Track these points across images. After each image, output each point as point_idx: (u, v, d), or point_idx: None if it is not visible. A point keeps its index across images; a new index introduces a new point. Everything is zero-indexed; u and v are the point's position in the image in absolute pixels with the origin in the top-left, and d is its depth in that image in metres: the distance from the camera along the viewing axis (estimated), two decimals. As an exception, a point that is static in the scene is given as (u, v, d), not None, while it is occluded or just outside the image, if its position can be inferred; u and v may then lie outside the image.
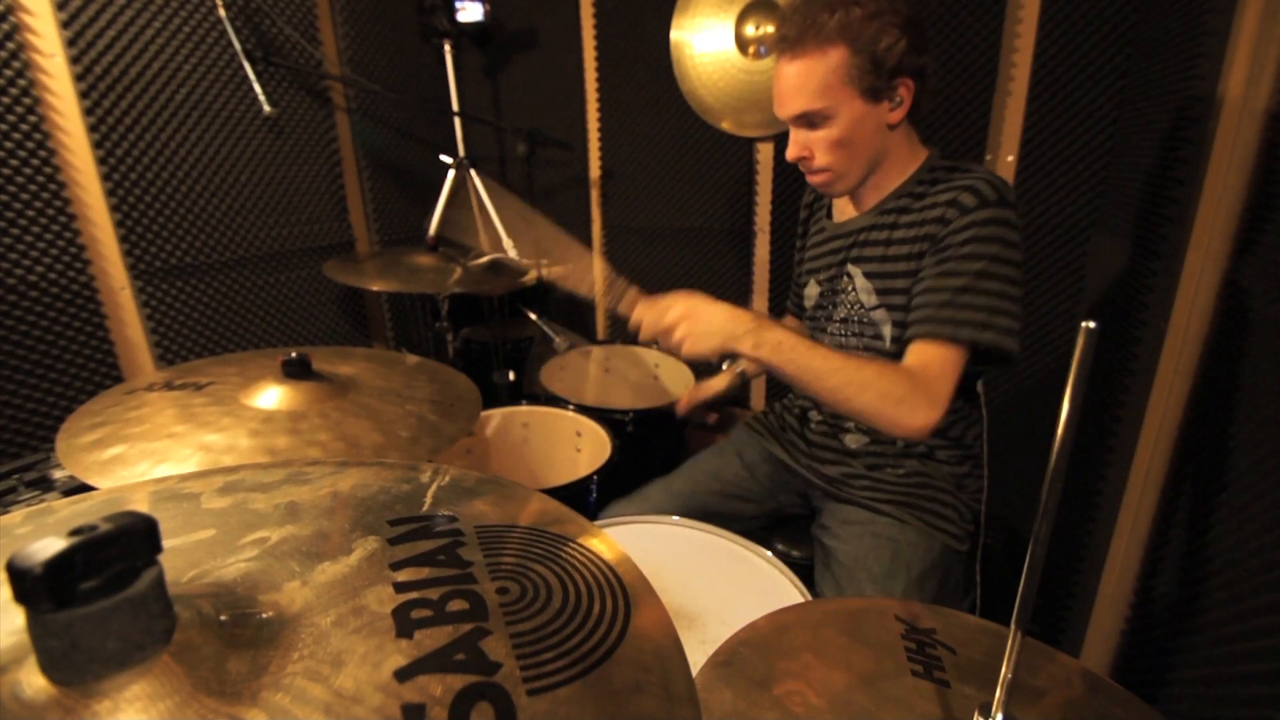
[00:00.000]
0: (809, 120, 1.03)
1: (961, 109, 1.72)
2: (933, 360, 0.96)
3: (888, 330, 1.11)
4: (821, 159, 1.05)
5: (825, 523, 1.20)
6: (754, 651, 0.64)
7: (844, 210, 1.22)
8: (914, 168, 1.10)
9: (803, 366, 0.96)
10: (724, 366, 1.44)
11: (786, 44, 1.00)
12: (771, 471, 1.33)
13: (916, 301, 1.01)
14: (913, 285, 1.05)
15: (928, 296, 0.99)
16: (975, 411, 1.19)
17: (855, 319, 1.16)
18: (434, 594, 0.44)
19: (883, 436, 1.17)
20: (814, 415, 1.28)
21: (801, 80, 1.00)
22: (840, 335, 1.20)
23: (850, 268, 1.15)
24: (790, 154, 1.08)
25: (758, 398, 2.34)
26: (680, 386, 1.89)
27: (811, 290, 1.27)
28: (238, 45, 1.75)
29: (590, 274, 1.39)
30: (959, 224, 0.97)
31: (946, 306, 0.96)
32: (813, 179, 1.11)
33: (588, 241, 2.51)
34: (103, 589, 0.34)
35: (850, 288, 1.16)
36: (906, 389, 0.94)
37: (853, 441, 1.21)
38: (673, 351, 1.01)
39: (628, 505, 1.29)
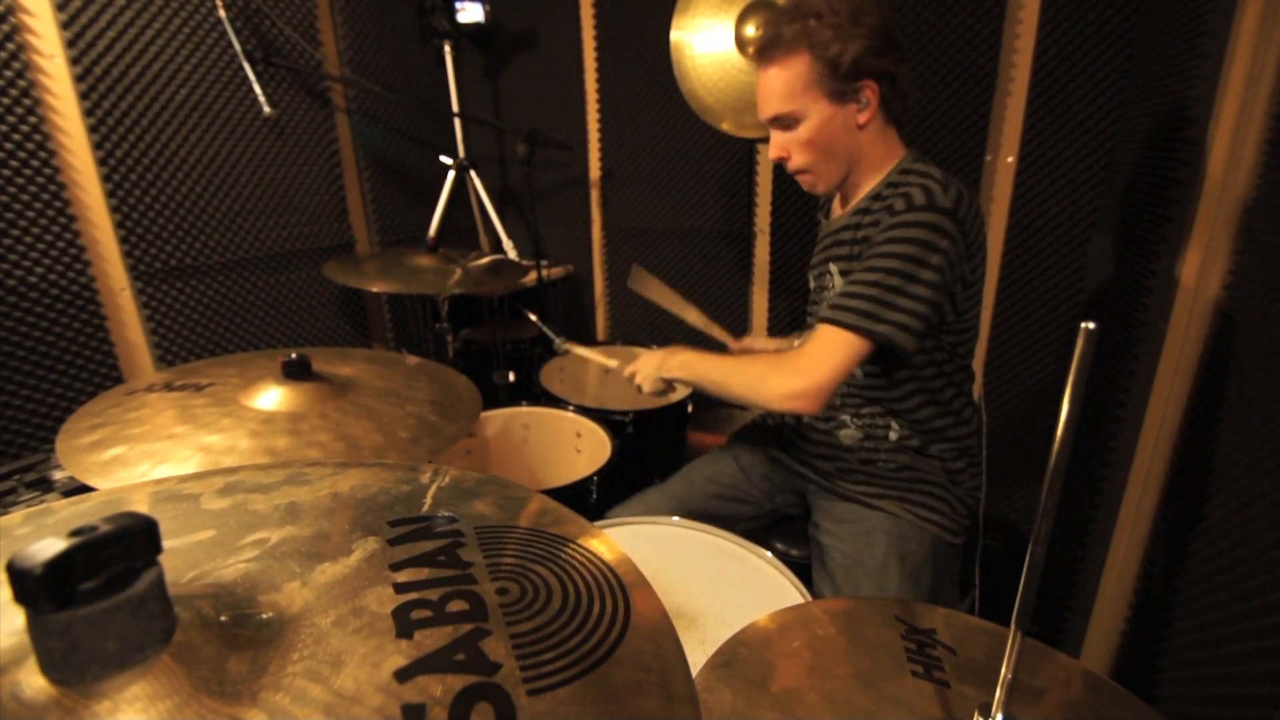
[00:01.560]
0: (783, 122, 1.11)
1: (961, 109, 1.72)
2: (817, 341, 1.04)
3: None
4: (798, 158, 1.14)
5: (819, 520, 1.22)
6: (754, 651, 0.64)
7: (836, 209, 1.26)
8: (888, 169, 1.13)
9: (699, 374, 1.17)
10: (790, 336, 1.58)
11: (759, 53, 1.10)
12: (768, 473, 1.34)
13: (840, 289, 1.09)
14: None
15: (844, 288, 1.06)
16: (969, 409, 1.20)
17: None
18: (434, 594, 0.44)
19: (875, 431, 1.19)
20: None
21: (773, 86, 1.09)
22: None
23: (831, 265, 1.19)
24: (771, 154, 1.16)
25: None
26: (680, 387, 1.89)
27: (811, 286, 1.31)
28: (238, 46, 1.75)
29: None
30: (885, 225, 1.03)
31: (851, 297, 1.02)
32: (798, 179, 1.19)
33: (588, 242, 2.51)
34: (103, 590, 0.34)
35: (830, 285, 1.20)
36: (766, 369, 1.09)
37: (846, 437, 1.22)
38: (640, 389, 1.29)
39: (625, 510, 1.29)
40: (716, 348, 1.55)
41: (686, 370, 1.20)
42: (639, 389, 1.29)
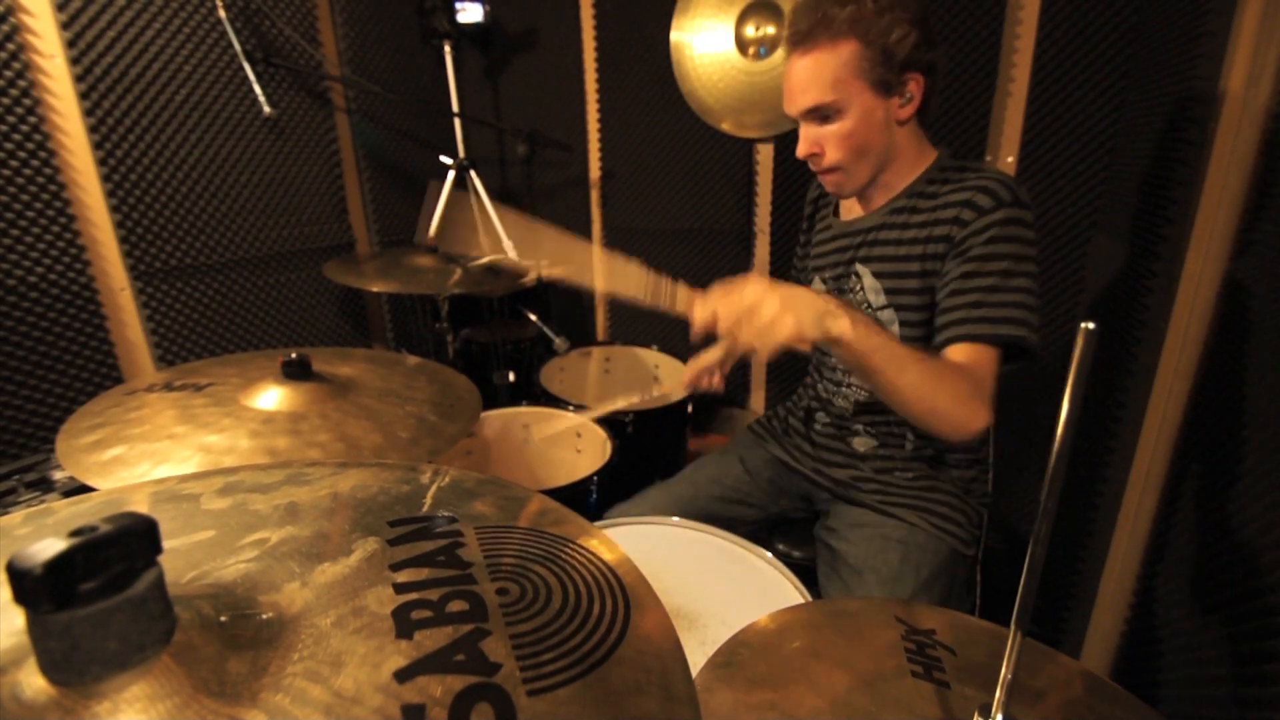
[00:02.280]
0: (820, 114, 1.03)
1: (961, 109, 1.72)
2: (980, 361, 0.95)
3: (895, 330, 1.10)
4: (832, 155, 1.05)
5: (832, 525, 1.19)
6: (754, 652, 0.64)
7: (851, 209, 1.21)
8: (923, 167, 1.09)
9: (888, 355, 0.87)
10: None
11: (798, 38, 1.01)
12: (773, 476, 1.33)
13: (945, 304, 1.00)
14: (923, 286, 1.05)
15: (956, 299, 0.98)
16: None
17: None
18: (434, 595, 0.44)
19: (891, 440, 1.17)
20: (820, 418, 1.27)
21: (813, 74, 1.00)
22: None
23: (859, 267, 1.15)
24: (801, 151, 1.07)
25: (758, 401, 2.34)
26: (680, 387, 1.89)
27: (817, 288, 1.26)
28: (238, 46, 1.75)
29: (591, 271, 1.37)
30: (977, 225, 0.98)
31: (980, 307, 0.96)
32: (824, 179, 1.11)
33: (588, 242, 2.51)
34: (103, 590, 0.34)
35: (858, 287, 1.15)
36: (972, 388, 0.91)
37: (860, 445, 1.20)
38: (747, 349, 0.85)
39: (628, 509, 1.28)
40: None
41: (868, 339, 0.85)
42: (759, 336, 0.81)
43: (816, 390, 1.30)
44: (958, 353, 0.97)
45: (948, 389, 0.90)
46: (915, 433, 1.15)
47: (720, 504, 1.28)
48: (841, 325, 0.83)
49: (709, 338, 0.91)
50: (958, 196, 1.01)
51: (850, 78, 0.99)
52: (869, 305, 1.13)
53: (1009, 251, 0.96)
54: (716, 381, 1.32)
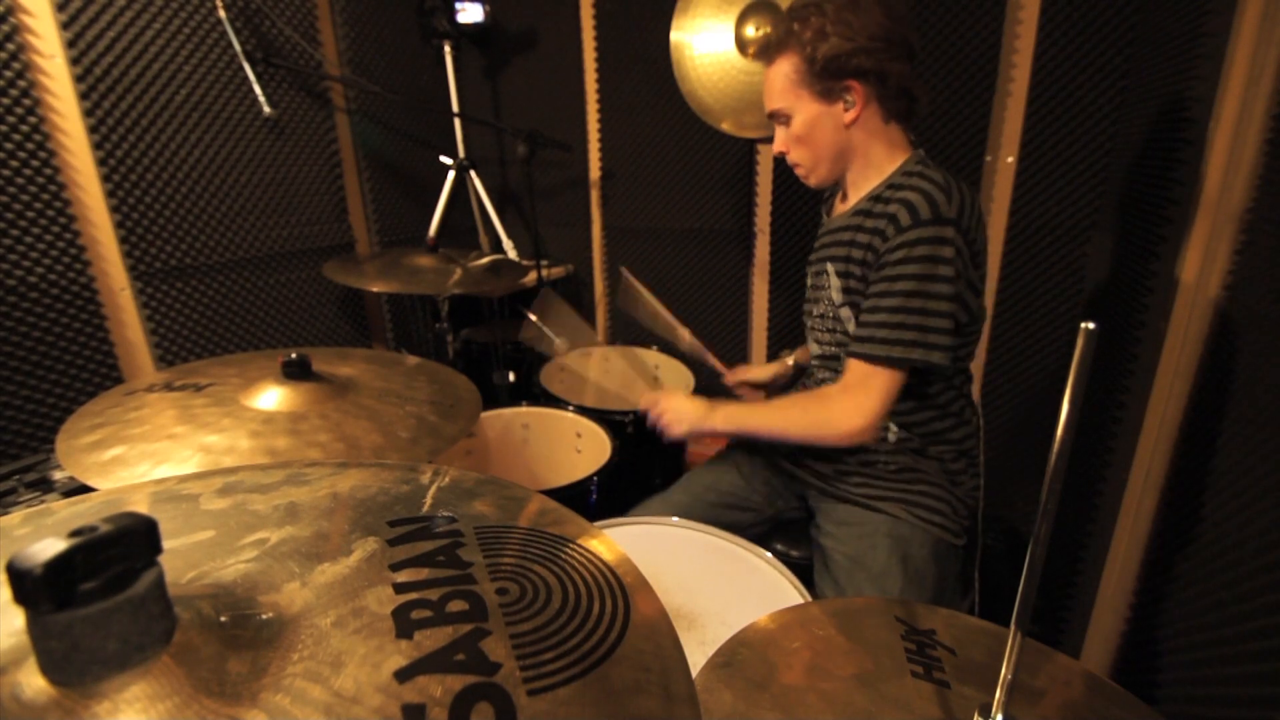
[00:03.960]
0: (779, 118, 1.16)
1: (961, 109, 1.72)
2: (860, 377, 1.07)
3: (852, 327, 1.14)
4: (792, 154, 1.18)
5: (821, 524, 1.22)
6: (754, 652, 0.64)
7: (837, 207, 1.26)
8: (891, 169, 1.13)
9: (751, 426, 1.19)
10: (781, 356, 1.55)
11: (761, 51, 1.16)
12: (769, 479, 1.34)
13: (859, 318, 1.10)
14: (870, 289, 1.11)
15: (866, 315, 1.07)
16: (969, 410, 1.20)
17: (829, 314, 1.20)
18: (434, 595, 0.44)
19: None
20: None
21: (769, 83, 1.14)
22: (818, 330, 1.24)
23: (828, 265, 1.19)
24: (774, 148, 1.20)
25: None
26: (680, 387, 1.89)
27: (807, 283, 1.31)
28: (238, 46, 1.75)
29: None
30: (893, 242, 1.03)
31: (880, 327, 1.04)
32: (796, 171, 1.21)
33: (588, 242, 2.51)
34: (103, 590, 0.34)
35: (826, 284, 1.19)
36: (822, 411, 1.11)
37: None
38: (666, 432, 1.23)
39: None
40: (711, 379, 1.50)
41: (734, 424, 1.20)
42: (661, 431, 1.23)
43: (806, 386, 1.33)
44: (848, 366, 1.09)
45: (801, 425, 1.13)
46: (897, 424, 1.17)
47: (718, 510, 1.30)
48: (715, 421, 1.19)
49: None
50: (890, 208, 1.05)
51: (791, 86, 1.11)
52: (832, 302, 1.18)
53: (915, 272, 1.01)
54: (758, 397, 1.56)
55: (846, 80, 1.07)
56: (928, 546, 1.12)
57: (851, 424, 1.06)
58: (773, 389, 1.55)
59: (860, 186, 1.16)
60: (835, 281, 1.16)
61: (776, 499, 1.33)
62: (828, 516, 1.21)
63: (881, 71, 1.06)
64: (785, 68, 1.10)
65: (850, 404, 1.07)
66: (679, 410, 1.22)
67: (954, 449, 1.18)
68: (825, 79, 1.07)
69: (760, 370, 1.56)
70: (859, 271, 1.11)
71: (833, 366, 1.23)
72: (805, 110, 1.11)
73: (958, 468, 1.19)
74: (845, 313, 1.16)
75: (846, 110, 1.09)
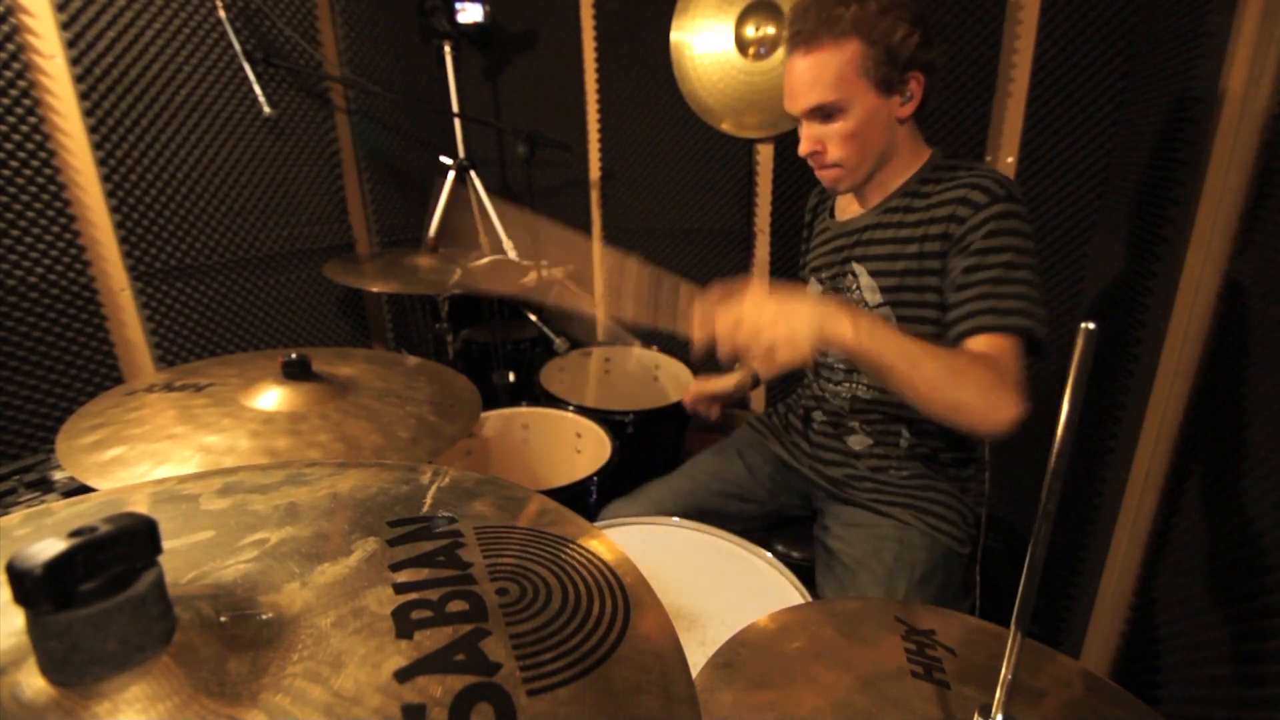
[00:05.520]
0: (824, 113, 1.04)
1: (961, 109, 1.72)
2: (1000, 350, 0.92)
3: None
4: (834, 153, 1.06)
5: (828, 524, 1.20)
6: (754, 652, 0.64)
7: (846, 208, 1.23)
8: (918, 165, 1.10)
9: (900, 351, 0.84)
10: (736, 367, 1.41)
11: (801, 38, 1.01)
12: (773, 472, 1.33)
13: (953, 300, 1.00)
14: (919, 284, 1.06)
15: (964, 294, 0.98)
16: None
17: None
18: (434, 595, 0.44)
19: (886, 438, 1.17)
20: (817, 416, 1.27)
21: (817, 73, 1.01)
22: None
23: (854, 265, 1.15)
24: (803, 149, 1.08)
25: (758, 400, 2.34)
26: (679, 387, 1.89)
27: (813, 289, 1.27)
28: (238, 46, 1.75)
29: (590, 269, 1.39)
30: (975, 220, 0.98)
31: (987, 298, 0.95)
32: (822, 174, 1.11)
33: (588, 242, 2.51)
34: (103, 590, 0.34)
35: (854, 285, 1.16)
36: (997, 378, 0.87)
37: (856, 443, 1.20)
38: (761, 364, 0.82)
39: (628, 504, 1.29)
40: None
41: (875, 339, 0.83)
42: (765, 355, 0.81)
43: (813, 389, 1.30)
44: (976, 345, 0.94)
45: (969, 380, 0.86)
46: (911, 431, 1.15)
47: (720, 499, 1.29)
48: (842, 328, 0.81)
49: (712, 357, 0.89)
50: (953, 194, 1.02)
51: (854, 76, 0.99)
52: (865, 304, 1.14)
53: (1010, 244, 0.96)
54: (715, 413, 1.38)
55: (912, 71, 1.00)
56: (936, 555, 1.11)
57: (1017, 407, 0.85)
58: (731, 402, 1.44)
59: (888, 185, 1.12)
60: (868, 281, 1.12)
61: (779, 493, 1.32)
62: (835, 518, 1.20)
63: (936, 63, 1.02)
64: (846, 54, 0.98)
65: (1009, 378, 0.88)
66: (794, 321, 0.80)
67: (965, 455, 1.17)
68: (895, 69, 0.99)
69: (723, 381, 1.42)
70: (912, 265, 1.05)
71: (854, 379, 1.19)
72: (864, 103, 1.01)
73: (967, 474, 1.18)
74: (884, 312, 1.11)
75: (904, 104, 1.03)
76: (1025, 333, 0.93)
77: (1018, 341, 0.93)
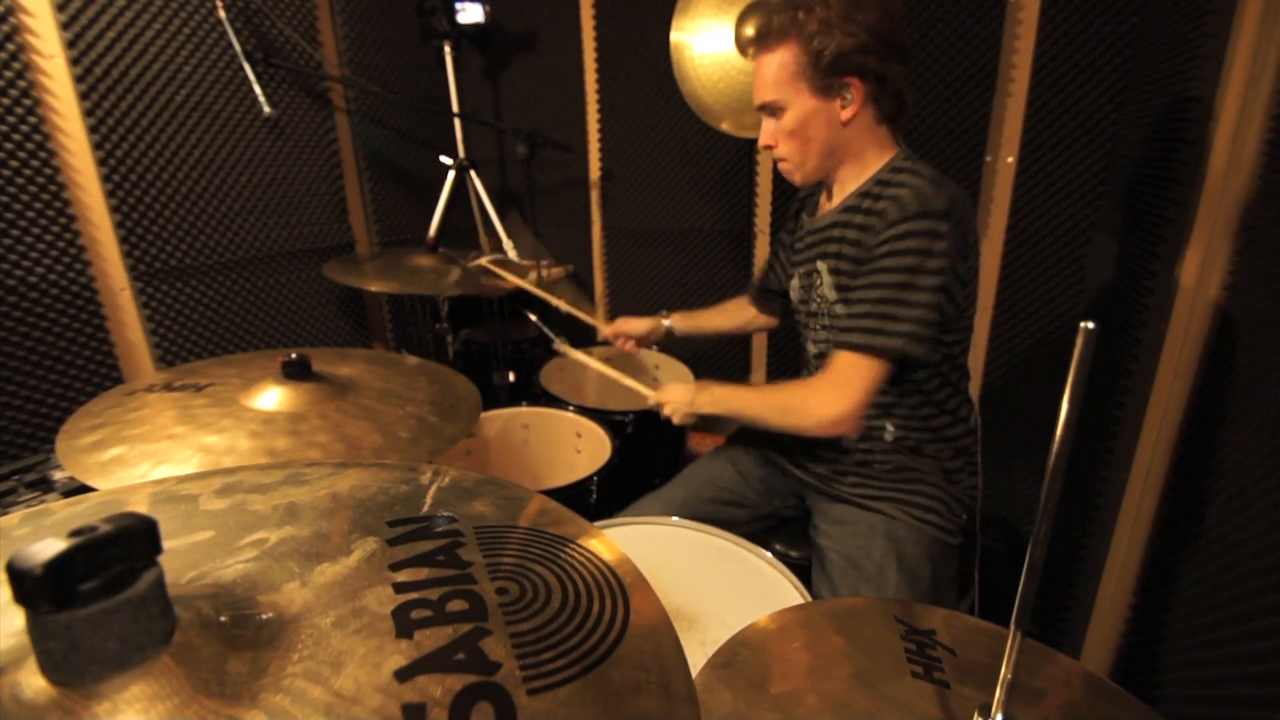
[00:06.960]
0: (770, 110, 1.13)
1: (961, 109, 1.72)
2: (843, 367, 1.07)
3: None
4: (780, 147, 1.15)
5: (817, 523, 1.22)
6: (754, 652, 0.64)
7: (822, 206, 1.26)
8: (877, 167, 1.13)
9: (735, 408, 1.19)
10: (658, 314, 1.67)
11: (754, 40, 1.13)
12: (765, 476, 1.34)
13: (840, 310, 1.12)
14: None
15: (852, 308, 1.08)
16: (966, 408, 1.20)
17: (824, 313, 1.20)
18: (433, 594, 0.44)
19: (871, 432, 1.19)
20: None
21: (763, 73, 1.11)
22: (813, 329, 1.24)
23: (819, 264, 1.19)
24: (760, 141, 1.17)
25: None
26: (679, 381, 1.88)
27: (794, 285, 1.30)
28: (238, 46, 1.75)
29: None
30: (881, 236, 1.04)
31: (865, 318, 1.05)
32: (779, 166, 1.20)
33: (588, 242, 2.51)
34: (102, 590, 0.34)
35: (819, 283, 1.19)
36: (803, 399, 1.11)
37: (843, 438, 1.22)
38: (676, 420, 1.26)
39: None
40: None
41: (719, 405, 1.21)
42: (667, 420, 1.27)
43: None
44: (839, 358, 1.08)
45: (778, 411, 1.14)
46: (894, 424, 1.17)
47: (714, 506, 1.30)
48: (700, 404, 1.22)
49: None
50: (879, 204, 1.06)
51: (788, 79, 1.08)
52: (826, 300, 1.18)
53: (903, 264, 1.01)
54: (630, 346, 1.65)
55: (848, 77, 1.05)
56: (923, 546, 1.13)
57: (829, 412, 1.06)
58: (645, 343, 1.65)
59: (847, 184, 1.16)
60: (828, 279, 1.16)
61: (773, 496, 1.33)
62: (824, 515, 1.22)
63: (882, 72, 1.05)
64: (784, 58, 1.07)
65: (831, 393, 1.07)
66: (674, 399, 1.25)
67: (951, 447, 1.18)
68: (827, 74, 1.05)
69: (636, 322, 1.64)
70: (849, 267, 1.11)
71: None
72: (801, 104, 1.08)
73: (955, 466, 1.19)
74: (840, 309, 1.15)
75: (844, 108, 1.08)
76: (891, 353, 1.03)
77: (879, 362, 1.05)
